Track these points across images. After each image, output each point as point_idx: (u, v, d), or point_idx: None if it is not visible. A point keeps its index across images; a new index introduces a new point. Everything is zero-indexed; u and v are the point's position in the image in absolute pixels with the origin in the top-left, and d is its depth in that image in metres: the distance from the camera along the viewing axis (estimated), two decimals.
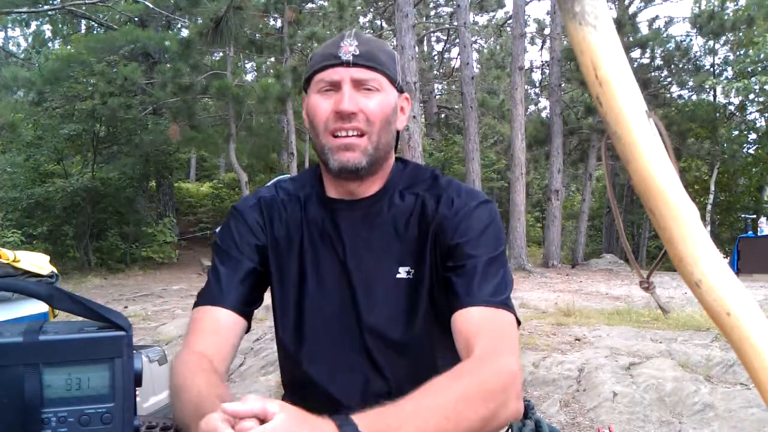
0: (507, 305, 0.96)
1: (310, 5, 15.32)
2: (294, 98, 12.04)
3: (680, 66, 17.45)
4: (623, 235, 0.66)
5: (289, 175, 1.36)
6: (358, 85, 1.00)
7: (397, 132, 1.10)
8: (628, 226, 20.20)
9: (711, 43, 17.41)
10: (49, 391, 0.73)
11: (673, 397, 3.41)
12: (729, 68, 17.66)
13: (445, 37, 22.24)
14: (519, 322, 0.98)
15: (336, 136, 1.01)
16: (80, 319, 0.80)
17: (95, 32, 17.87)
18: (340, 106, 0.99)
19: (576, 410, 3.41)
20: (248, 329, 1.07)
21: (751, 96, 17.16)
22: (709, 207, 16.40)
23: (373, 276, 1.05)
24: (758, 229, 11.52)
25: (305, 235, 1.09)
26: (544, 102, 24.16)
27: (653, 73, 17.32)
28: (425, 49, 23.45)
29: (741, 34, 16.03)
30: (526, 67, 14.64)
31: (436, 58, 24.06)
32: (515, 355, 0.90)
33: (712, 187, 17.06)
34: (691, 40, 17.37)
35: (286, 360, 1.12)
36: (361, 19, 20.76)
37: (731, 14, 15.66)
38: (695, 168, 19.26)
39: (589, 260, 15.02)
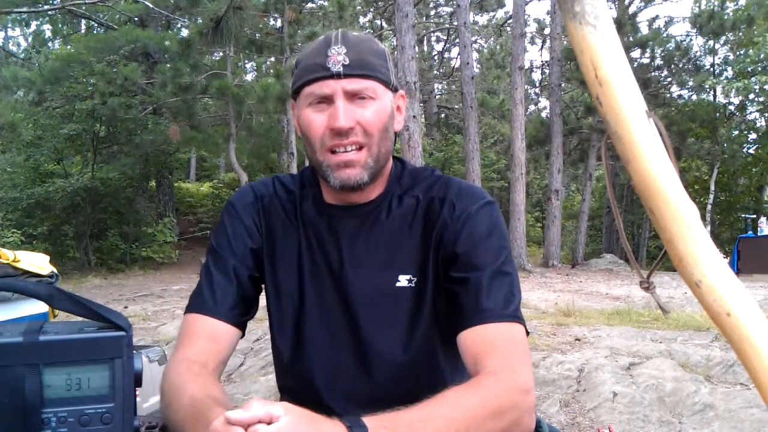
0: (516, 317, 0.93)
1: (310, 5, 15.32)
2: None
3: (680, 66, 17.45)
4: (623, 235, 0.66)
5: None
6: (352, 96, 0.95)
7: (395, 132, 1.06)
8: (628, 226, 20.20)
9: (711, 43, 17.42)
10: (49, 391, 0.73)
11: (673, 397, 3.41)
12: (729, 68, 17.66)
13: (445, 37, 22.23)
14: (527, 332, 0.95)
15: (334, 152, 0.97)
16: (80, 319, 0.80)
17: (95, 32, 17.88)
18: (336, 123, 0.93)
19: (576, 410, 3.41)
20: (242, 336, 1.05)
21: (751, 96, 17.18)
22: (709, 207, 16.40)
23: (371, 285, 1.02)
24: (758, 229, 11.52)
25: (302, 240, 1.06)
26: (544, 102, 24.18)
27: (653, 73, 17.32)
28: (425, 49, 23.45)
29: (741, 34, 16.04)
30: (526, 67, 14.64)
31: (436, 58, 24.05)
32: (528, 370, 0.88)
33: (712, 187, 17.06)
34: (691, 40, 17.41)
35: (283, 367, 1.10)
36: (361, 19, 20.76)
37: (731, 14, 15.66)
38: (695, 168, 19.27)
39: (589, 260, 15.02)
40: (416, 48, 11.75)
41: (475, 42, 22.88)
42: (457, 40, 15.17)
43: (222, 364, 1.00)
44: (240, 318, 1.02)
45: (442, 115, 23.74)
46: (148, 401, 2.57)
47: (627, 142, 0.47)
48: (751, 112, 18.83)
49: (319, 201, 1.07)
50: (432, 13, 23.44)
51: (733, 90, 16.01)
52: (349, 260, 1.03)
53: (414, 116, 10.23)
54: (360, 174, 0.97)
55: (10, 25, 22.18)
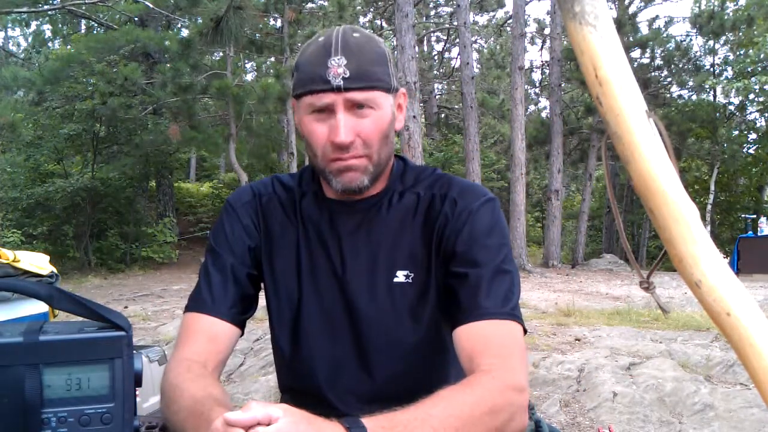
0: (514, 315, 0.93)
1: (310, 5, 15.31)
2: None
3: (680, 66, 17.44)
4: (623, 235, 0.66)
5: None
6: (352, 106, 0.95)
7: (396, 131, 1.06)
8: (628, 226, 20.20)
9: (711, 43, 17.40)
10: (49, 392, 0.73)
11: (673, 397, 3.41)
12: (729, 68, 17.63)
13: (445, 37, 22.24)
14: (525, 331, 0.95)
15: (335, 160, 0.98)
16: (80, 319, 0.80)
17: (95, 32, 17.87)
18: (337, 138, 0.94)
19: (576, 410, 3.41)
20: (241, 334, 1.06)
21: (751, 96, 17.16)
22: (709, 207, 16.39)
23: (370, 281, 1.02)
24: (758, 229, 11.51)
25: (301, 237, 1.06)
26: (544, 102, 24.19)
27: (653, 73, 17.33)
28: (425, 49, 23.45)
29: (741, 34, 16.03)
30: (526, 67, 14.65)
31: (436, 58, 24.06)
32: (523, 369, 0.88)
33: (712, 187, 17.04)
34: (691, 40, 17.40)
35: (283, 365, 1.10)
36: (361, 19, 20.75)
37: (731, 14, 15.66)
38: (695, 168, 19.27)
39: (589, 260, 15.03)
40: (416, 48, 11.76)
41: (475, 42, 22.91)
42: (457, 40, 15.18)
43: (222, 364, 1.00)
44: (239, 317, 1.03)
45: (442, 115, 23.74)
46: (148, 401, 2.57)
47: (627, 142, 0.47)
48: (751, 112, 18.81)
49: (320, 196, 1.08)
50: (432, 13, 23.45)
51: (733, 90, 16.00)
52: (349, 255, 1.03)
53: (414, 116, 10.23)
54: (360, 178, 0.98)
55: (10, 25, 22.18)
